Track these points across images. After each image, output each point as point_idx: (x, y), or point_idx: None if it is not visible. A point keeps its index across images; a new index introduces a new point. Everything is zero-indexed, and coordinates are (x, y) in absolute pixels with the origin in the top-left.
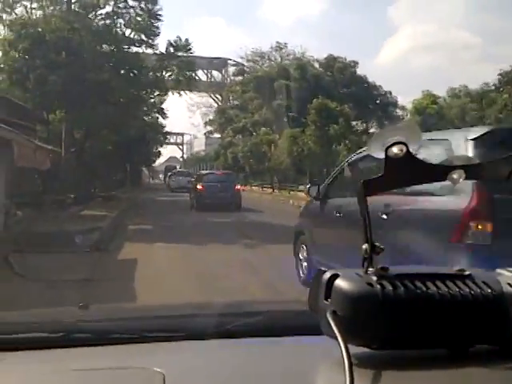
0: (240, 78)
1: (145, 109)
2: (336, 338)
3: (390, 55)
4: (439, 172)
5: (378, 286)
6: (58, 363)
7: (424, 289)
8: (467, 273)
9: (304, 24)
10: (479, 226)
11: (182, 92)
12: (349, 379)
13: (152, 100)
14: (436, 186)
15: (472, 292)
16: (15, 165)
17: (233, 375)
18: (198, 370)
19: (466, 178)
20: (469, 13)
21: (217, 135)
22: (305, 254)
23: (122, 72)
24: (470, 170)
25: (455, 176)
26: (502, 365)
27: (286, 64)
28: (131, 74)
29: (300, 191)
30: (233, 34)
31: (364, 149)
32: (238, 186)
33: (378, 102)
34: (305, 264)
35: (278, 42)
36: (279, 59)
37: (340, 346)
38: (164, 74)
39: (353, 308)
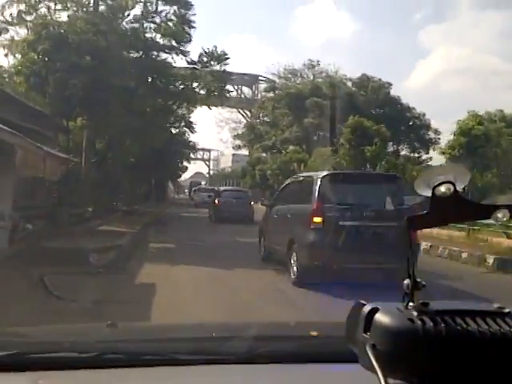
0: (271, 94)
1: (172, 121)
2: (375, 372)
3: (420, 78)
4: (484, 211)
5: (419, 322)
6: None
7: (464, 325)
8: (507, 310)
9: (335, 44)
10: (316, 219)
11: (211, 106)
12: None
13: (180, 112)
14: (301, 198)
15: None
16: (18, 173)
17: None
18: None
19: (511, 217)
20: (501, 39)
21: (244, 152)
22: (263, 241)
23: (150, 80)
24: None
25: (500, 215)
26: None
27: (319, 82)
28: (159, 82)
29: None
30: (264, 50)
31: (296, 176)
32: (252, 203)
33: (410, 124)
34: (263, 248)
35: (310, 60)
36: (311, 77)
37: (380, 381)
38: (195, 84)
39: (393, 343)
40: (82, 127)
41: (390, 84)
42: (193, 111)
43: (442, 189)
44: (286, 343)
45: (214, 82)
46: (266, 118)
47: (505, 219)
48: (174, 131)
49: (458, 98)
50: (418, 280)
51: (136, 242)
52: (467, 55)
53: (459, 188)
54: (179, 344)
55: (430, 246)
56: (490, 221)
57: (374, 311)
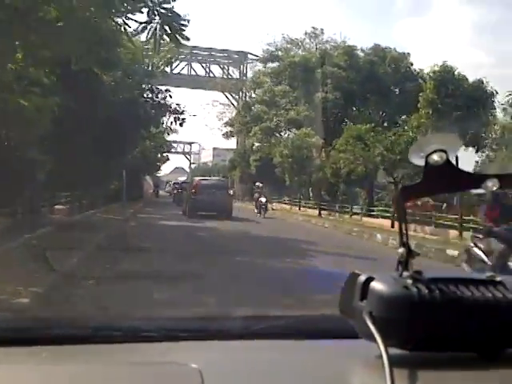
0: (269, 66)
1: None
2: (372, 338)
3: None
4: (475, 180)
5: (414, 289)
6: (93, 358)
7: (458, 293)
8: (498, 279)
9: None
10: None
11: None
12: (389, 378)
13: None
14: None
15: (505, 297)
16: None
17: (268, 373)
18: (232, 366)
19: (500, 187)
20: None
21: (229, 144)
22: None
23: None
24: (504, 179)
25: (490, 184)
26: None
27: (328, 49)
28: None
29: (371, 215)
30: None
31: None
32: (231, 192)
33: None
34: None
35: (313, 28)
36: (315, 49)
37: (379, 346)
38: None
39: (389, 309)
40: None
41: (409, 54)
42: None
43: (435, 157)
44: (278, 321)
45: None
46: (265, 97)
47: (494, 188)
48: (147, 94)
49: None
50: (412, 249)
51: None
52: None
53: (451, 157)
54: (174, 322)
55: None
56: None
57: (369, 280)
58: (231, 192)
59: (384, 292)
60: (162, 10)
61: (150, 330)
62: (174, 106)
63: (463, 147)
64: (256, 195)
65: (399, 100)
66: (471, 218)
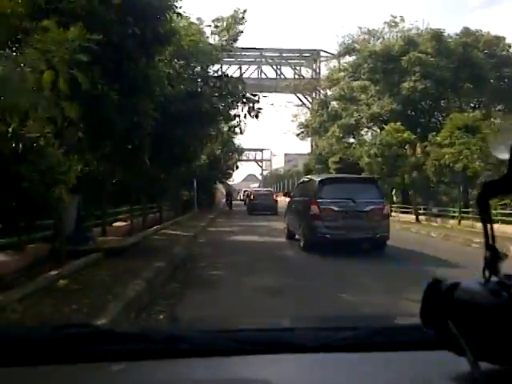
0: (345, 61)
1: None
2: (459, 350)
3: None
4: None
5: (505, 295)
6: (172, 373)
7: None
8: None
9: None
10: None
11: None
12: None
13: None
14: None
15: None
16: None
17: None
18: (305, 381)
19: None
20: None
21: (298, 151)
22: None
23: None
24: None
25: None
26: None
27: (412, 36)
28: None
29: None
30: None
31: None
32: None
33: None
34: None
35: (392, 16)
36: (395, 38)
37: (468, 359)
38: None
39: (477, 318)
40: None
41: (504, 38)
42: None
43: None
44: (355, 332)
45: None
46: (342, 92)
47: None
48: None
49: None
50: (500, 250)
51: None
52: None
53: None
54: (244, 334)
55: None
56: None
57: (454, 287)
58: (275, 197)
59: (471, 299)
60: None
61: (221, 343)
62: (247, 94)
63: None
64: None
65: (495, 87)
66: None
